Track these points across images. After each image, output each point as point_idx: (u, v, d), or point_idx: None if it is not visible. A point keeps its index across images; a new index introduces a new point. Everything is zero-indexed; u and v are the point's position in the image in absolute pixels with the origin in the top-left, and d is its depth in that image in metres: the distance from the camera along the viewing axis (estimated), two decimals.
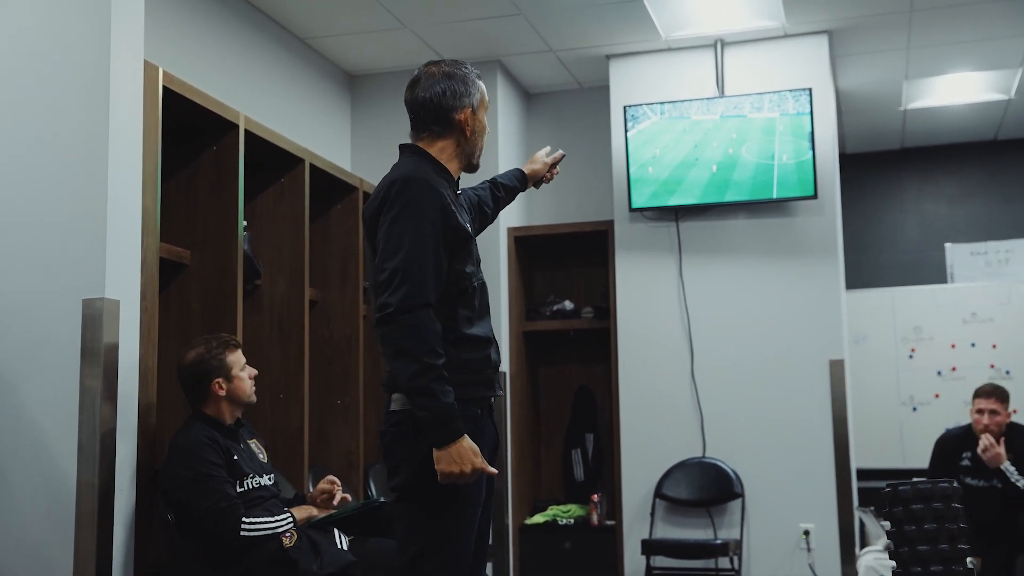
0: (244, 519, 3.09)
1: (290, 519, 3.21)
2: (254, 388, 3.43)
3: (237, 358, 3.37)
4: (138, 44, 3.27)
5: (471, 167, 2.65)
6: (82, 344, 3.01)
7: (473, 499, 2.47)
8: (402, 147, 2.64)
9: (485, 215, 2.90)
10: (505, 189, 3.01)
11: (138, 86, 3.26)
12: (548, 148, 3.17)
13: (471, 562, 2.49)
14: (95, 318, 3.01)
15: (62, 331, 3.03)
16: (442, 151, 2.58)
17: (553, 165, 3.12)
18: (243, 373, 3.37)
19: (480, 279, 2.61)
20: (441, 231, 2.43)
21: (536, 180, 3.11)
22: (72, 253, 3.07)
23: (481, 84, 2.64)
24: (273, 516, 3.18)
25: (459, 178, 2.67)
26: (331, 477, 3.51)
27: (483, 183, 2.99)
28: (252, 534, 3.10)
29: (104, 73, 3.12)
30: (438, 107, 2.55)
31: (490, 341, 2.58)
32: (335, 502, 3.46)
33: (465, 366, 2.49)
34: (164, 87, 3.40)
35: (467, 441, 2.37)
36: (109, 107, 3.10)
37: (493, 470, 2.46)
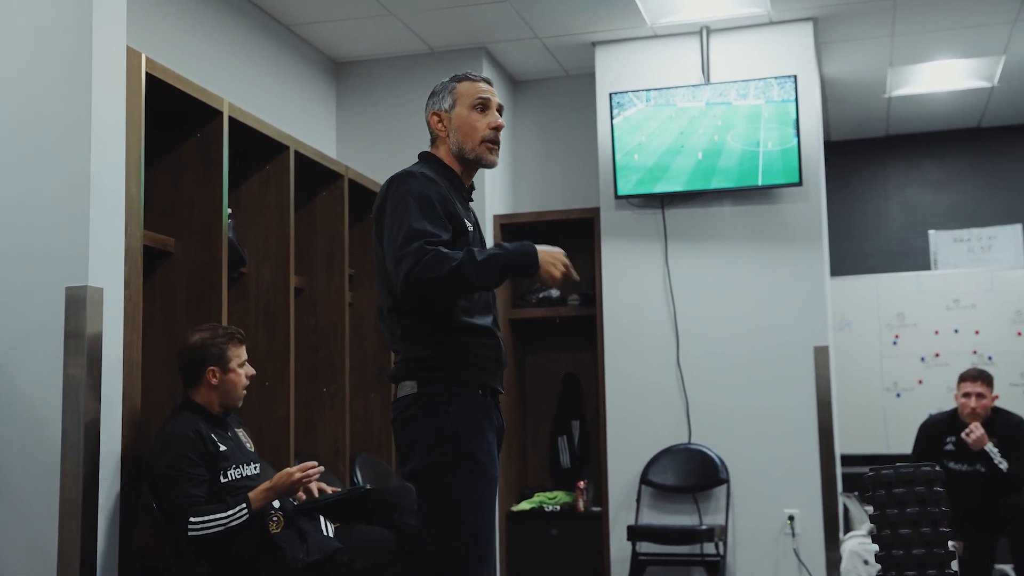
0: (191, 519, 3.03)
1: (244, 509, 3.11)
2: (246, 389, 3.38)
3: (239, 352, 3.35)
4: (120, 30, 3.24)
5: (470, 162, 2.79)
6: (65, 333, 3.00)
7: (489, 472, 2.57)
8: (419, 154, 2.86)
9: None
10: None
11: (121, 73, 3.24)
12: None
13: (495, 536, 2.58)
14: (78, 306, 3.00)
15: (45, 320, 3.02)
16: (444, 155, 2.82)
17: None
18: (241, 370, 3.35)
19: None
20: (441, 207, 2.61)
21: None
22: (55, 241, 3.06)
23: (459, 85, 2.81)
24: (227, 509, 3.09)
25: (472, 187, 2.85)
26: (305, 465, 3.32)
27: None
28: (200, 533, 3.04)
29: (86, 59, 3.09)
30: (426, 123, 2.87)
31: (491, 333, 2.69)
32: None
33: (463, 349, 2.62)
34: (147, 73, 3.37)
35: (542, 247, 2.59)
36: (91, 94, 3.08)
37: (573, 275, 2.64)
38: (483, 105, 2.77)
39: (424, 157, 2.82)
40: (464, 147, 2.77)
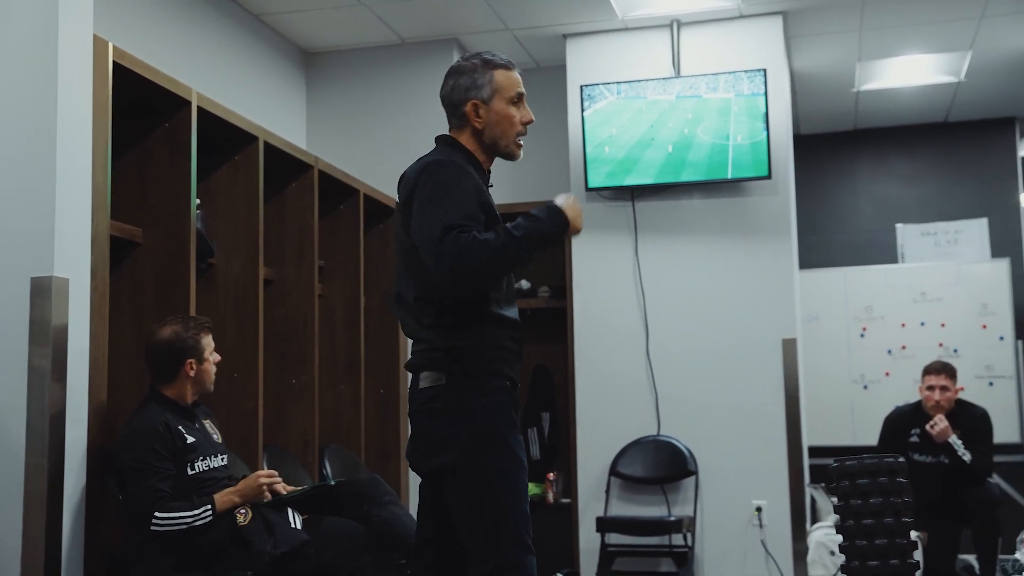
0: (156, 513, 3.04)
1: (209, 510, 3.13)
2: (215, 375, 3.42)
3: (209, 341, 3.36)
4: (87, 18, 3.21)
5: (501, 155, 2.74)
6: (30, 323, 2.97)
7: (524, 462, 2.56)
8: (437, 138, 2.77)
9: None
10: None
11: (87, 62, 3.20)
12: None
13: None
14: (44, 297, 2.97)
15: (10, 310, 2.98)
16: (468, 141, 2.72)
17: None
18: (211, 357, 3.37)
19: None
20: (476, 197, 2.55)
21: None
22: (20, 230, 3.02)
23: (497, 74, 2.69)
24: (193, 508, 3.10)
25: (490, 172, 2.77)
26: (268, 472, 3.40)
27: None
28: (163, 529, 3.04)
29: (52, 48, 3.06)
30: (450, 102, 2.73)
31: (519, 326, 2.67)
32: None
33: (493, 341, 2.58)
34: (115, 63, 3.34)
35: (560, 203, 2.58)
36: (58, 83, 3.05)
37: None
38: (519, 99, 2.72)
39: (446, 142, 2.72)
40: (499, 141, 2.70)
